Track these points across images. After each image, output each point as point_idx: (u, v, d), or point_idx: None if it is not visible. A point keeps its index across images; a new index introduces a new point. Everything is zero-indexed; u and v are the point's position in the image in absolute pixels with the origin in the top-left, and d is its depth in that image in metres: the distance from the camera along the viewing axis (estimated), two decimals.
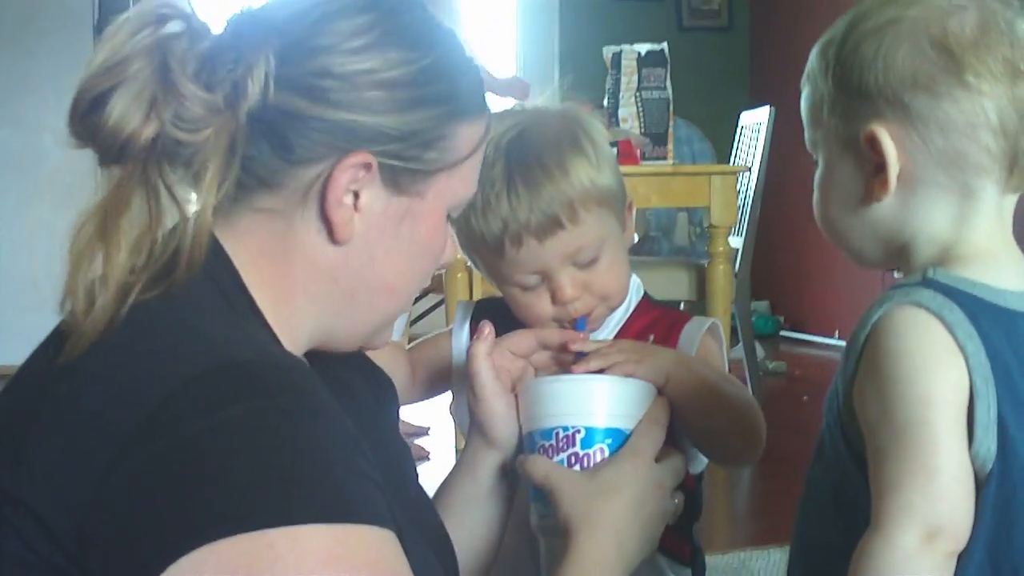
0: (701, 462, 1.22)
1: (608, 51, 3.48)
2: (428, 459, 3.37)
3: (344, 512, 0.75)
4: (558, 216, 1.14)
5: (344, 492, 0.76)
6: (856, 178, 0.89)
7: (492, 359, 1.15)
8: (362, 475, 0.79)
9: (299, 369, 0.83)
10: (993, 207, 0.88)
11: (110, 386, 0.78)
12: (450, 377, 1.32)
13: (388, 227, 0.90)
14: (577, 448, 1.09)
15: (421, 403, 1.38)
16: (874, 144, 0.86)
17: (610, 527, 1.04)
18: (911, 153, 0.86)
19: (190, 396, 0.75)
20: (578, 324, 1.19)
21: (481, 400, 1.15)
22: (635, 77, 3.43)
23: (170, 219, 0.85)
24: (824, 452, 0.91)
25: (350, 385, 1.08)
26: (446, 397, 1.36)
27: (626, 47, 3.46)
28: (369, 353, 1.18)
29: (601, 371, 1.13)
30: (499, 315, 1.26)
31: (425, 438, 3.64)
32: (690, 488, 1.18)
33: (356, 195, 0.87)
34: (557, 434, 1.10)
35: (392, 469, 1.03)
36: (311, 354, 1.02)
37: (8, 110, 4.83)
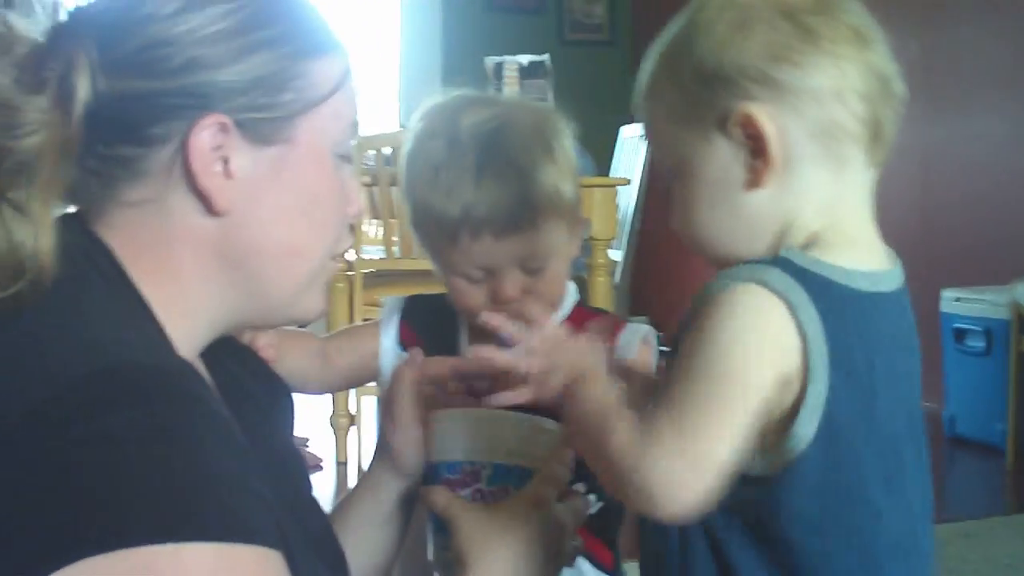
0: None
1: (490, 61, 3.49)
2: (321, 468, 3.31)
3: (228, 530, 0.73)
4: (520, 218, 1.16)
5: (229, 510, 0.74)
6: (732, 168, 0.86)
7: (417, 386, 1.14)
8: (249, 491, 0.77)
9: (187, 374, 0.81)
10: (861, 179, 0.87)
11: None
12: (370, 372, 1.32)
13: (265, 184, 0.87)
14: (482, 484, 1.08)
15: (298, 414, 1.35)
16: (749, 124, 0.84)
17: (503, 565, 1.01)
18: (785, 128, 0.84)
19: (77, 398, 0.73)
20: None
21: (399, 427, 1.14)
22: (517, 88, 3.44)
23: (21, 233, 0.80)
24: None
25: (245, 385, 1.05)
26: (322, 403, 1.33)
27: (508, 58, 3.47)
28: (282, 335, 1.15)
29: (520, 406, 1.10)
30: (429, 316, 1.27)
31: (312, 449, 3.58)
32: (614, 499, 1.16)
33: (225, 162, 0.85)
34: (464, 468, 1.08)
35: (284, 478, 1.01)
36: (210, 350, 0.99)
37: None
